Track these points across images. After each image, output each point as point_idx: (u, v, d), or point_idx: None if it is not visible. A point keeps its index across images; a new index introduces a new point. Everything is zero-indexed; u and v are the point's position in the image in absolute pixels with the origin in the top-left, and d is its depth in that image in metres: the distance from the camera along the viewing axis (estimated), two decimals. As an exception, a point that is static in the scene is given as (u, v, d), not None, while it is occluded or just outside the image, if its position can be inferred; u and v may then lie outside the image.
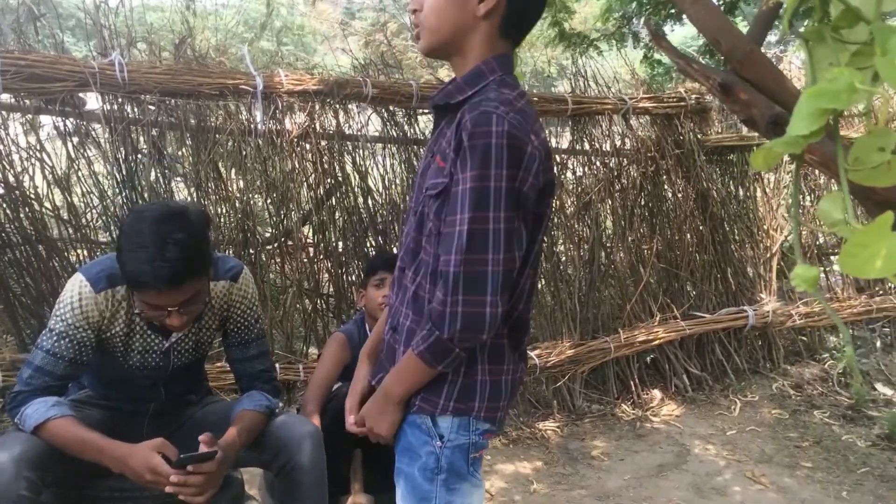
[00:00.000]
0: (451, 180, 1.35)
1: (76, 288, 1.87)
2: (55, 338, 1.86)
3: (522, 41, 1.51)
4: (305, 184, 3.60)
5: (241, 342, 2.11)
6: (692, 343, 4.40)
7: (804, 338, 5.06)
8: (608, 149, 4.35)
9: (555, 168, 1.39)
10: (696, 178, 4.55)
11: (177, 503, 1.94)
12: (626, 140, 4.43)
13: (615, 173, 4.39)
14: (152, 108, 3.16)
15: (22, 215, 3.01)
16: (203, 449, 1.77)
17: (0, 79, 2.67)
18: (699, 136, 4.64)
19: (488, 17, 1.40)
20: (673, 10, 5.04)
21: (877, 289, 5.38)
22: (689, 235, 4.51)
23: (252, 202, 3.49)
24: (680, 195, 4.53)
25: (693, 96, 4.56)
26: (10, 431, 1.85)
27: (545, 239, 1.50)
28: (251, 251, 3.47)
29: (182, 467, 1.72)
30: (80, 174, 3.15)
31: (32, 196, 3.03)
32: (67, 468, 1.80)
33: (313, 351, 3.64)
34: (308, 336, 3.66)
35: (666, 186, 4.55)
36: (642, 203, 4.49)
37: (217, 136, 3.31)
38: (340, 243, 3.69)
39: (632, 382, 4.13)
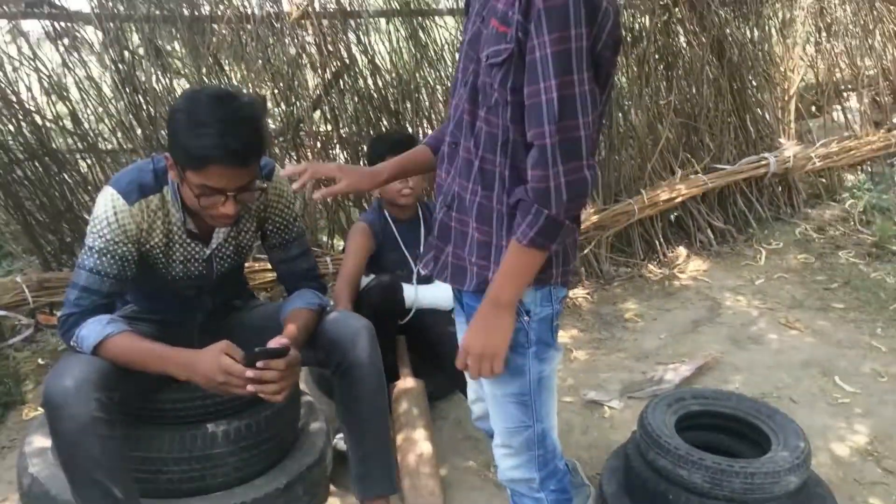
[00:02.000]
0: (517, 46, 1.28)
1: (108, 202, 1.79)
2: (96, 255, 1.80)
3: None
4: (310, 68, 3.44)
5: (282, 243, 2.06)
6: (714, 196, 4.36)
7: (823, 179, 5.02)
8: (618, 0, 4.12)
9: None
10: (711, 24, 4.34)
11: (232, 410, 1.95)
12: (636, -12, 4.21)
13: (627, 27, 4.19)
14: (142, 2, 2.96)
15: (25, 129, 2.88)
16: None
17: (-22, -16, 2.48)
18: (712, -22, 4.39)
19: None
20: None
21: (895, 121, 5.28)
22: (706, 86, 4.36)
23: (257, 93, 3.34)
24: (695, 44, 4.34)
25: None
26: (67, 355, 1.82)
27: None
28: (263, 145, 3.35)
29: (252, 365, 1.69)
30: (77, 79, 2.99)
31: (33, 107, 2.89)
32: (131, 384, 1.78)
33: (339, 242, 3.60)
34: (332, 228, 3.60)
35: (680, 36, 4.35)
36: (656, 56, 4.31)
37: (213, 25, 3.13)
38: (353, 127, 3.56)
39: (657, 242, 4.11)
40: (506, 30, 1.28)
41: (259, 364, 1.69)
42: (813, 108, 5.52)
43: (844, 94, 5.40)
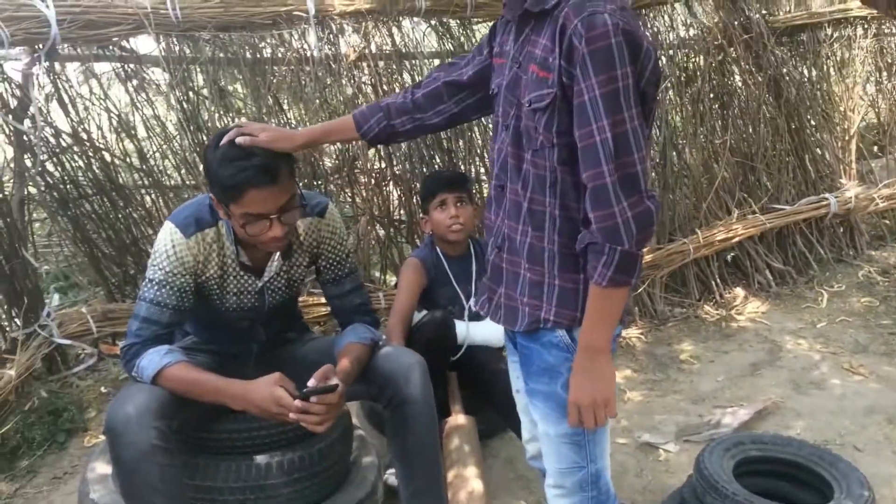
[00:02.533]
0: (561, 90, 1.32)
1: (168, 236, 1.87)
2: (156, 287, 1.86)
3: None
4: (367, 108, 3.51)
5: (335, 278, 2.09)
6: (772, 237, 4.27)
7: (887, 221, 4.88)
8: (672, 40, 4.13)
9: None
10: (767, 63, 4.30)
11: (286, 442, 1.98)
12: (690, 29, 4.21)
13: (681, 66, 4.18)
14: (207, 44, 3.08)
15: (94, 166, 3.01)
16: (317, 381, 1.77)
17: (57, 30, 2.61)
18: (767, 18, 4.36)
19: None
20: None
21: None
22: (762, 125, 4.31)
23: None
24: (750, 83, 4.31)
25: (758, -27, 4.27)
26: (129, 384, 1.87)
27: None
28: (319, 182, 3.43)
29: (305, 399, 1.73)
30: (144, 118, 3.11)
31: (102, 144, 3.01)
32: (188, 413, 1.83)
33: (391, 278, 3.63)
34: (385, 264, 3.64)
35: (736, 75, 4.32)
36: (711, 96, 4.29)
37: (274, 67, 3.23)
38: (407, 165, 3.61)
39: (713, 282, 4.04)
40: (547, 75, 1.32)
41: (313, 399, 1.73)
42: (875, 149, 5.40)
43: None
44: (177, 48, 3.02)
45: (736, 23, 4.21)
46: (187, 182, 3.22)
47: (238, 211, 1.75)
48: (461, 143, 3.71)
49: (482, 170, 3.83)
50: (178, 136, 3.18)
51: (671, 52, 4.12)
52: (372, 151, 3.65)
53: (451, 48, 3.66)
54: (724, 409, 2.91)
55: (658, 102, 1.45)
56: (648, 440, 2.71)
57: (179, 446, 1.80)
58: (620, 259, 1.30)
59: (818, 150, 4.59)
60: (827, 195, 4.37)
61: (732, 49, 4.21)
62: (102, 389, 3.02)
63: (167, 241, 1.86)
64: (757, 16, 4.29)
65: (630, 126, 1.28)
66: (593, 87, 1.26)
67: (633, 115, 1.28)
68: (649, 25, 4.06)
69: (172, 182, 3.30)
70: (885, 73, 5.04)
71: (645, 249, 1.38)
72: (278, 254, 1.96)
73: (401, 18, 3.46)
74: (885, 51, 4.95)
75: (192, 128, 3.12)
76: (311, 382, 1.78)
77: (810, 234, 4.39)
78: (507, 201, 1.47)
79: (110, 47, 2.92)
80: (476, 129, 3.78)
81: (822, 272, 4.29)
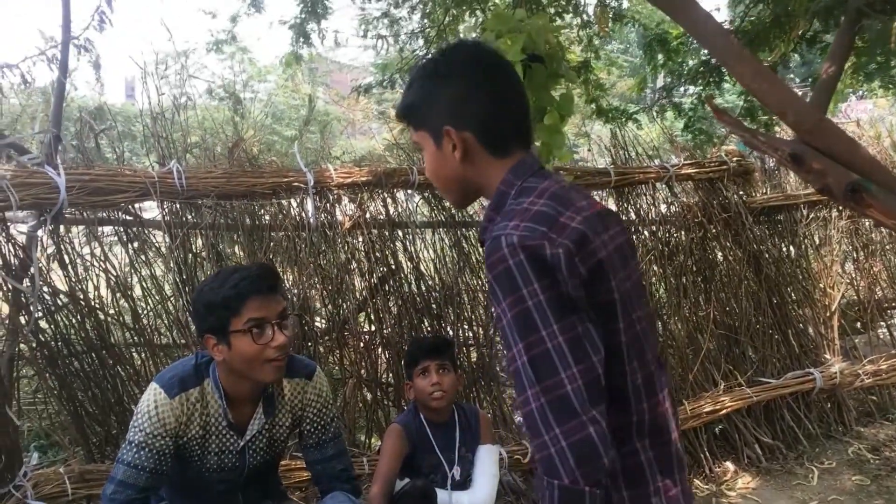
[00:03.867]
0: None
1: (151, 396, 1.91)
2: (135, 449, 1.87)
3: (530, 139, 1.43)
4: (358, 273, 3.63)
5: (318, 443, 2.10)
6: (760, 411, 4.26)
7: (874, 397, 4.88)
8: (654, 217, 4.33)
9: (606, 241, 1.27)
10: (746, 241, 4.49)
11: None
12: (672, 207, 4.42)
13: (664, 241, 4.36)
14: (209, 210, 3.23)
15: (87, 324, 3.06)
16: None
17: (66, 196, 2.75)
18: (745, 198, 4.60)
19: (470, 156, 1.37)
20: (712, 79, 5.09)
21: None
22: (744, 299, 4.43)
23: (307, 295, 3.51)
24: (731, 258, 4.47)
25: (734, 159, 4.55)
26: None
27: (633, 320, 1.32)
28: (309, 343, 3.47)
29: None
30: (140, 277, 3.21)
31: (97, 304, 3.08)
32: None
33: (376, 442, 3.59)
34: (370, 427, 3.61)
35: (717, 251, 4.49)
36: (694, 269, 4.44)
37: (271, 233, 3.37)
38: (396, 328, 3.67)
39: (702, 455, 3.99)
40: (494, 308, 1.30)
41: None
42: (858, 325, 5.49)
43: (888, 311, 5.39)
44: (179, 213, 3.16)
45: (715, 202, 4.44)
46: (178, 342, 3.26)
47: (240, 324, 1.85)
48: (450, 308, 3.80)
49: (470, 335, 3.89)
50: (172, 297, 3.25)
51: (654, 227, 4.32)
52: (362, 315, 3.73)
53: (443, 218, 3.83)
54: (715, 593, 2.79)
55: (621, 291, 1.29)
56: None
57: None
58: (561, 495, 1.16)
59: (801, 325, 4.67)
60: (812, 370, 4.41)
61: (712, 226, 4.41)
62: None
63: (150, 402, 1.89)
64: (735, 196, 4.53)
65: (551, 343, 1.18)
66: (505, 311, 1.22)
67: (554, 331, 1.18)
68: (632, 202, 4.28)
69: (164, 341, 3.34)
70: (861, 252, 5.23)
71: (595, 482, 1.16)
72: (261, 411, 1.99)
73: (395, 190, 3.66)
74: (860, 231, 5.17)
75: (187, 289, 3.21)
76: None
77: (798, 409, 4.37)
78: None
79: (115, 211, 3.06)
80: (465, 295, 3.89)
81: (812, 448, 4.24)
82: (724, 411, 4.05)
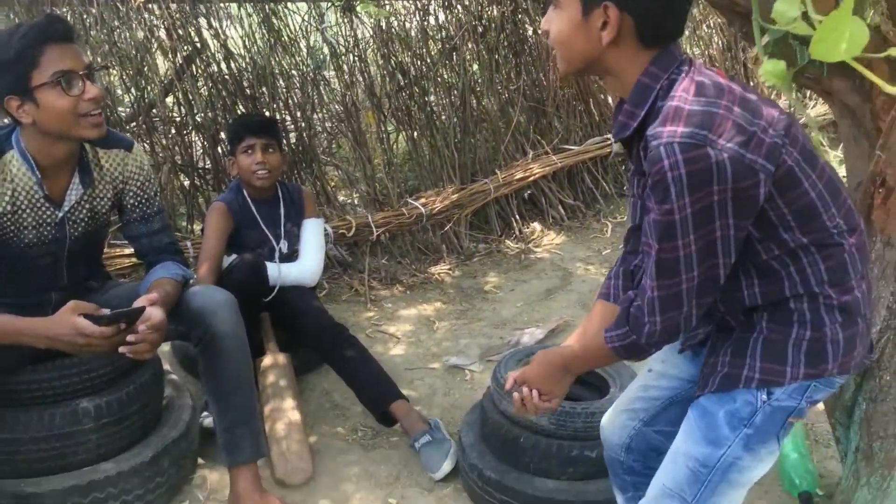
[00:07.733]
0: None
1: None
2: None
3: (682, 33, 1.32)
4: (161, 52, 3.39)
5: (143, 216, 2.06)
6: (564, 175, 4.63)
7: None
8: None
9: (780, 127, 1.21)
10: (555, 14, 4.61)
11: (93, 389, 1.95)
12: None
13: (476, 16, 4.38)
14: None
15: None
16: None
17: None
18: (554, -29, 4.65)
19: (619, 42, 1.25)
20: None
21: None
22: (551, 72, 4.63)
23: (105, 77, 3.26)
24: (540, 33, 4.60)
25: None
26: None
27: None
28: (115, 130, 3.27)
29: (112, 324, 1.70)
30: None
31: None
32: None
33: (198, 226, 3.57)
34: (191, 213, 3.56)
35: (527, 26, 4.60)
36: (505, 45, 4.54)
37: (53, 7, 3.02)
38: (209, 113, 3.53)
39: (513, 219, 4.33)
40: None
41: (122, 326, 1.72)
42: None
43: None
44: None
45: (524, -26, 4.47)
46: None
47: (47, 74, 1.72)
48: (264, 89, 3.68)
49: (287, 117, 3.82)
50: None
51: (466, 2, 4.31)
52: (170, 98, 3.54)
53: (250, -9, 3.60)
54: (522, 330, 3.18)
55: (810, 179, 1.25)
56: (455, 363, 2.92)
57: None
58: (630, 345, 1.32)
59: (601, 96, 5.00)
60: (609, 136, 4.79)
61: (522, 1, 4.47)
62: None
63: None
64: (544, -32, 4.58)
65: (683, 252, 1.20)
66: (654, 210, 1.21)
67: (689, 241, 1.19)
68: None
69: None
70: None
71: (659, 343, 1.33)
72: (78, 180, 1.91)
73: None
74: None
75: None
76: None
77: (596, 172, 4.80)
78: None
79: None
80: (280, 77, 3.77)
81: (608, 206, 4.72)
82: (532, 178, 4.37)
